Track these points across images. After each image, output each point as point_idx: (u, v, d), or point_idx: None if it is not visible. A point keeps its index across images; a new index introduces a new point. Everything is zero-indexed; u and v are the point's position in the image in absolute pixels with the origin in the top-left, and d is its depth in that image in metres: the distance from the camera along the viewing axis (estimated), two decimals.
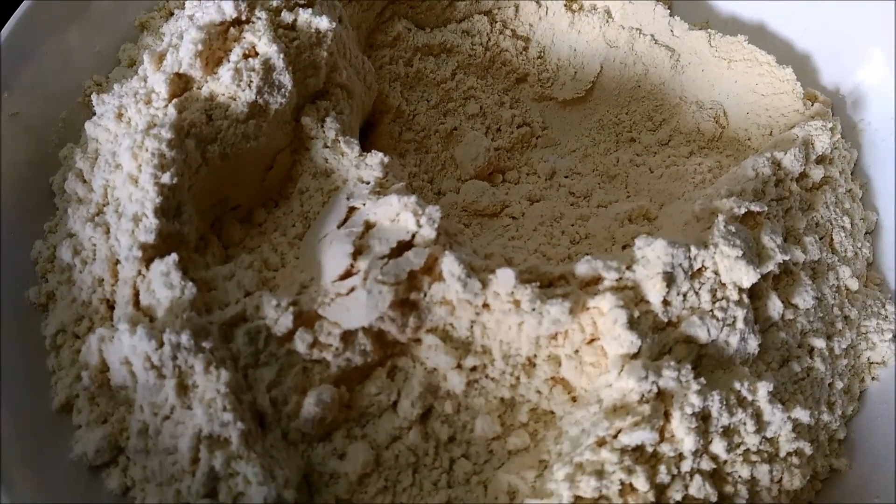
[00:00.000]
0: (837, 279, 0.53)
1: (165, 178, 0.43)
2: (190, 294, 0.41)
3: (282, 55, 0.47)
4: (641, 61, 0.64)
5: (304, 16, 0.49)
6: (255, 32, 0.47)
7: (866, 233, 0.58)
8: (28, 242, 0.49)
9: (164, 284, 0.41)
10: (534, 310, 0.43)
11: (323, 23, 0.49)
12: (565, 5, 0.64)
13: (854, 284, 0.54)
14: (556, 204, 0.59)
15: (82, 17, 0.57)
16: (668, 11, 0.64)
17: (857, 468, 0.49)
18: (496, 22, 0.64)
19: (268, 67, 0.47)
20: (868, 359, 0.53)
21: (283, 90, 0.47)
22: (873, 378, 0.53)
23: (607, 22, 0.64)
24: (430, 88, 0.62)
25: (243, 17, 0.47)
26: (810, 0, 0.64)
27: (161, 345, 0.39)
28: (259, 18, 0.47)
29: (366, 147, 0.56)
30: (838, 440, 0.50)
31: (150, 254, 0.42)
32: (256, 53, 0.47)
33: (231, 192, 0.49)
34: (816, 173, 0.55)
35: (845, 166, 0.59)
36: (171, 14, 0.59)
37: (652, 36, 0.64)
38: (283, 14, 0.49)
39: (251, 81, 0.46)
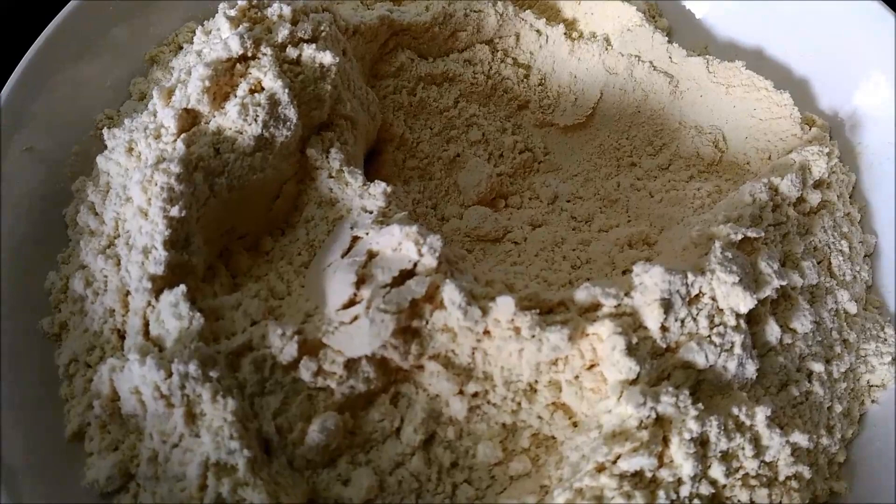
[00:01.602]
0: (836, 303, 0.54)
1: (174, 211, 0.44)
2: (198, 324, 0.42)
3: (287, 90, 0.48)
4: (641, 87, 0.66)
5: (308, 51, 0.50)
6: (260, 68, 0.48)
7: (865, 256, 0.59)
8: (42, 273, 0.50)
9: (172, 315, 0.42)
10: (534, 336, 0.44)
11: (326, 57, 0.50)
12: (565, 34, 0.66)
13: (853, 308, 0.54)
14: (558, 229, 0.60)
15: (94, 51, 0.58)
16: (667, 38, 0.65)
17: (857, 491, 0.49)
18: (497, 51, 0.66)
19: (273, 102, 0.48)
20: (867, 382, 0.53)
21: (288, 123, 0.49)
22: (873, 401, 0.53)
23: (606, 49, 0.66)
24: (433, 116, 0.63)
25: (249, 54, 0.49)
26: (808, 25, 0.65)
27: (170, 374, 0.40)
28: (265, 54, 0.49)
29: (370, 174, 0.57)
30: (838, 463, 0.50)
31: (160, 285, 0.44)
32: (262, 88, 0.49)
33: (238, 222, 0.50)
34: (814, 198, 0.56)
35: (843, 190, 0.59)
36: (181, 48, 0.61)
37: (651, 62, 0.65)
38: (287, 49, 0.50)
39: (257, 116, 0.47)
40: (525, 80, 0.66)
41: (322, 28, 0.52)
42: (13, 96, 0.53)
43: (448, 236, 0.59)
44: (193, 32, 0.60)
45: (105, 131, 0.51)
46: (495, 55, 0.66)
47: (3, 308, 0.48)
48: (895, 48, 0.60)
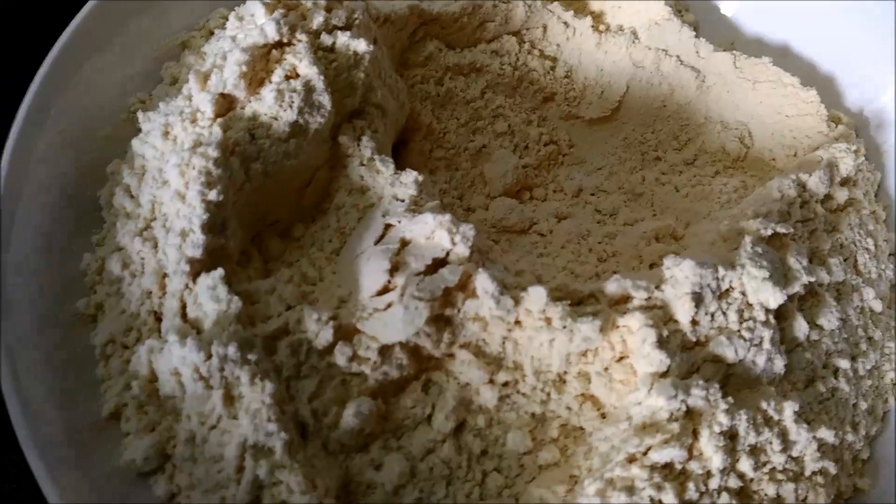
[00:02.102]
0: (861, 300, 0.54)
1: (212, 195, 0.44)
2: (236, 308, 0.42)
3: (322, 77, 0.48)
4: (667, 81, 0.66)
5: (342, 38, 0.51)
6: (295, 55, 0.49)
7: (890, 254, 0.59)
8: (77, 255, 0.51)
9: (210, 298, 0.43)
10: (565, 327, 0.44)
11: (361, 45, 0.50)
12: (592, 26, 0.66)
13: (878, 306, 0.55)
14: (583, 221, 0.61)
15: (126, 36, 0.58)
16: (694, 33, 0.65)
17: (880, 487, 0.50)
18: (524, 42, 0.66)
19: (309, 89, 0.48)
20: (891, 380, 0.54)
21: (322, 110, 0.49)
22: None
23: (634, 43, 0.66)
24: (460, 107, 0.64)
25: (285, 40, 0.49)
26: (835, 22, 0.65)
27: (209, 356, 0.40)
28: (300, 41, 0.49)
29: (398, 164, 0.57)
30: (862, 460, 0.51)
31: (197, 268, 0.44)
32: (297, 75, 0.49)
33: (271, 208, 0.50)
34: (841, 195, 0.56)
35: (869, 188, 0.60)
36: (212, 33, 0.61)
37: (678, 57, 0.65)
38: (322, 37, 0.50)
39: (293, 102, 0.47)
40: (551, 72, 0.67)
41: (356, 16, 0.52)
42: (46, 82, 0.53)
43: (474, 227, 0.59)
44: (225, 18, 0.60)
45: (140, 114, 0.51)
46: (522, 46, 0.66)
47: (38, 288, 0.48)
48: None
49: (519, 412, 0.46)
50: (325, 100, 0.49)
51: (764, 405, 0.44)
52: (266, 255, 0.50)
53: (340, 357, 0.43)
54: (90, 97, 0.56)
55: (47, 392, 0.45)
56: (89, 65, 0.56)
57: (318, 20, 0.51)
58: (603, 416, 0.46)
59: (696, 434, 0.43)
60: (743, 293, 0.47)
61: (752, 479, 0.43)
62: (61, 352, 0.47)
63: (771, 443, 0.44)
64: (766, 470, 0.44)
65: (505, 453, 0.45)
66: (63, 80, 0.55)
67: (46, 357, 0.46)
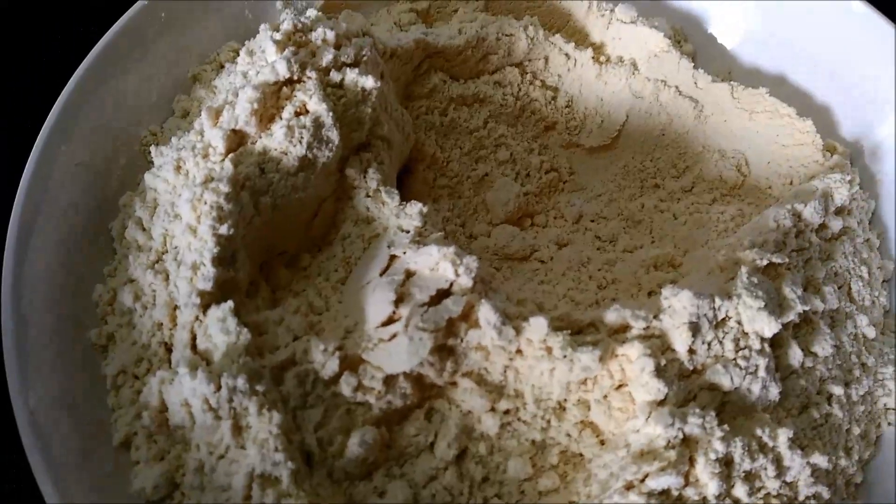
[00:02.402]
0: (855, 327, 0.55)
1: (223, 229, 0.46)
2: (245, 339, 0.44)
3: (331, 113, 0.50)
4: (666, 111, 0.67)
5: (350, 75, 0.52)
6: (305, 91, 0.50)
7: (883, 281, 0.60)
8: (89, 285, 0.52)
9: (220, 330, 0.44)
10: (565, 356, 0.45)
11: (368, 82, 0.52)
12: (593, 58, 0.67)
13: (871, 332, 0.56)
14: (583, 248, 0.62)
15: (139, 69, 0.60)
16: (693, 64, 0.67)
17: None
18: (526, 73, 0.67)
19: (318, 124, 0.50)
20: (884, 405, 0.55)
21: (330, 145, 0.50)
22: (889, 424, 0.54)
23: (633, 74, 0.67)
24: (463, 136, 0.65)
25: (295, 77, 0.51)
26: (831, 53, 0.66)
27: (219, 388, 0.42)
28: (310, 78, 0.51)
29: (402, 192, 0.59)
30: (855, 484, 0.52)
31: (208, 300, 0.45)
32: (307, 111, 0.50)
33: (279, 239, 0.52)
34: (835, 224, 0.57)
35: (863, 216, 0.61)
36: (222, 66, 0.63)
37: (676, 87, 0.67)
38: (331, 74, 0.52)
39: (302, 138, 0.49)
40: (553, 101, 0.68)
41: (364, 52, 0.53)
42: (64, 110, 0.55)
43: (477, 254, 0.61)
44: (235, 52, 0.62)
45: (153, 149, 0.53)
46: (524, 77, 0.67)
47: (51, 317, 0.50)
48: None
49: (520, 439, 0.47)
50: (333, 135, 0.50)
51: (759, 432, 0.45)
52: (273, 284, 0.52)
53: (346, 387, 0.44)
54: (105, 128, 0.57)
55: (59, 420, 0.46)
56: (104, 96, 0.58)
57: (327, 58, 0.52)
58: (602, 442, 0.47)
59: (692, 461, 0.44)
60: (739, 322, 0.48)
61: None
62: (74, 380, 0.48)
63: (765, 469, 0.45)
64: (760, 495, 0.45)
65: (506, 480, 0.46)
66: (78, 112, 0.56)
67: (60, 385, 0.48)
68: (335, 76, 0.52)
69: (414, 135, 0.61)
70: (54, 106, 0.54)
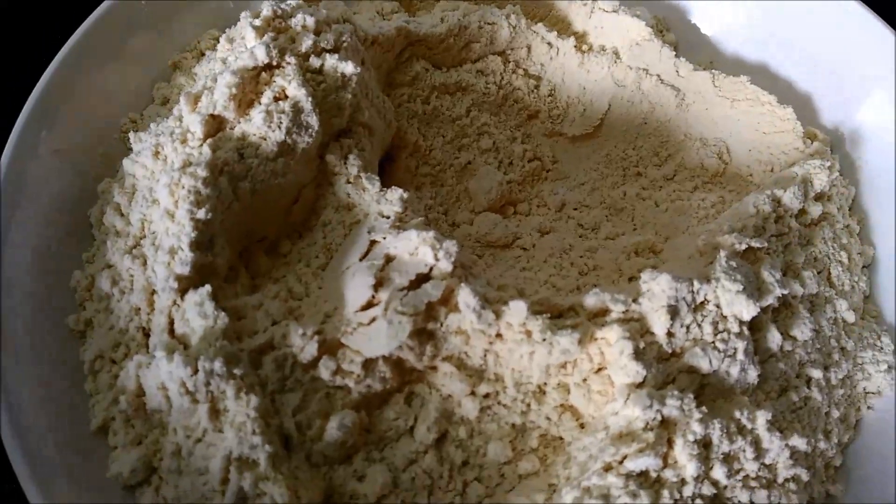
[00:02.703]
0: (835, 312, 0.56)
1: (201, 213, 0.46)
2: (222, 323, 0.43)
3: (310, 98, 0.50)
4: (648, 100, 0.67)
5: (330, 61, 0.52)
6: (284, 77, 0.50)
7: (863, 266, 0.60)
8: (67, 271, 0.52)
9: (198, 314, 0.44)
10: (544, 340, 0.45)
11: (348, 67, 0.52)
12: (575, 46, 0.67)
13: (851, 317, 0.56)
14: (566, 236, 0.62)
15: (119, 56, 0.60)
16: (674, 53, 0.67)
17: (853, 494, 0.51)
18: (509, 62, 0.67)
19: (297, 110, 0.50)
20: (864, 389, 0.55)
21: (310, 130, 0.50)
22: (869, 407, 0.55)
23: (615, 62, 0.67)
24: (445, 125, 0.65)
25: (274, 63, 0.51)
26: (811, 42, 0.67)
27: (196, 371, 0.42)
28: (289, 63, 0.50)
29: (384, 180, 0.59)
30: (834, 467, 0.52)
31: (185, 285, 0.45)
32: (286, 96, 0.50)
33: (259, 225, 0.52)
34: (815, 210, 0.57)
35: (843, 203, 0.61)
36: (203, 55, 0.62)
37: (658, 76, 0.67)
38: (311, 59, 0.52)
39: (281, 123, 0.49)
40: (535, 90, 0.68)
41: (343, 39, 0.53)
42: (43, 98, 0.54)
43: (459, 242, 0.61)
44: (215, 40, 0.62)
45: (131, 135, 0.53)
46: (507, 66, 0.67)
47: (30, 304, 0.49)
48: (895, 66, 0.62)
49: (500, 423, 0.47)
50: (312, 120, 0.50)
51: (737, 414, 0.46)
52: (253, 270, 0.52)
53: (324, 371, 0.44)
54: (84, 116, 0.57)
55: (37, 405, 0.46)
56: (84, 84, 0.58)
57: (307, 43, 0.52)
58: (582, 426, 0.47)
59: (670, 443, 0.44)
60: (717, 306, 0.48)
61: (725, 487, 0.44)
62: (52, 366, 0.48)
63: (744, 451, 0.45)
64: (739, 477, 0.45)
65: (486, 463, 0.46)
66: (58, 99, 0.56)
67: (37, 371, 0.47)
68: (315, 62, 0.52)
69: (396, 122, 0.61)
70: (32, 93, 0.54)
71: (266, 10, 0.53)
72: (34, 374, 0.47)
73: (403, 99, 0.64)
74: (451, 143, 0.65)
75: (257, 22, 0.52)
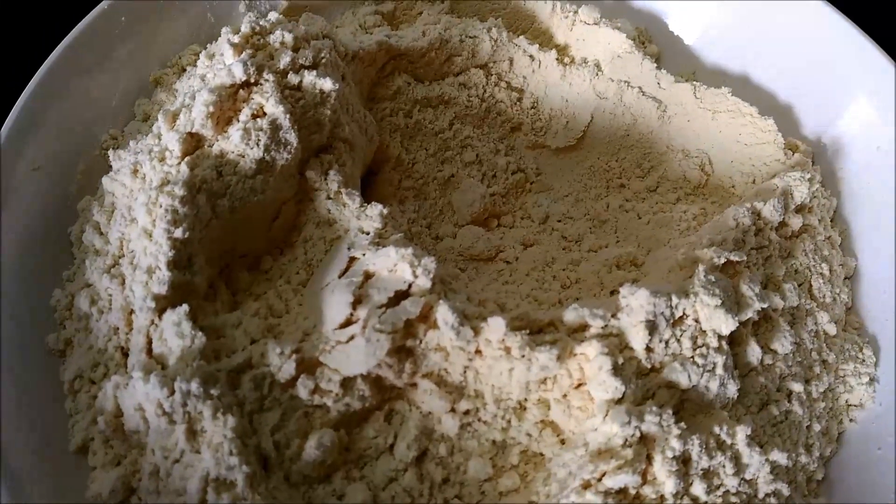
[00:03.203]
0: (816, 324, 0.56)
1: (178, 232, 0.46)
2: (199, 343, 0.43)
3: (288, 115, 0.50)
4: (630, 112, 0.67)
5: (308, 77, 0.52)
6: (262, 94, 0.50)
7: (845, 278, 0.60)
8: (47, 290, 0.52)
9: (175, 334, 0.44)
10: (523, 356, 0.45)
11: (327, 84, 0.52)
12: (557, 59, 0.67)
13: (832, 329, 0.56)
14: (549, 248, 0.62)
15: (100, 72, 0.60)
16: (655, 65, 0.67)
17: None
18: (491, 75, 0.68)
19: (275, 127, 0.50)
20: (846, 401, 0.55)
21: (288, 147, 0.50)
22: (851, 420, 0.55)
23: (597, 75, 0.67)
24: (428, 138, 0.65)
25: (252, 80, 0.50)
26: (792, 53, 0.67)
27: (172, 392, 0.42)
28: (267, 80, 0.50)
29: (367, 194, 0.59)
30: (816, 480, 0.52)
31: (163, 304, 0.45)
32: (264, 113, 0.50)
33: (239, 242, 0.52)
34: (795, 222, 0.58)
35: (824, 214, 0.61)
36: (184, 70, 0.62)
37: (640, 88, 0.67)
38: (289, 76, 0.52)
39: (259, 140, 0.49)
40: (518, 103, 0.68)
41: (322, 55, 0.53)
42: (22, 114, 0.54)
43: (442, 255, 0.61)
44: (196, 55, 0.62)
45: (111, 153, 0.53)
46: (489, 79, 0.67)
47: (9, 324, 0.49)
48: (874, 75, 0.62)
49: (480, 440, 0.47)
50: (291, 137, 0.50)
51: (717, 430, 0.46)
52: (234, 287, 0.52)
53: (302, 390, 0.44)
54: (64, 133, 0.57)
55: (17, 425, 0.46)
56: (64, 101, 0.58)
57: (284, 60, 0.52)
58: (562, 441, 0.47)
59: (649, 459, 0.44)
60: (696, 320, 0.48)
61: (705, 503, 0.45)
62: (32, 386, 0.48)
63: (724, 466, 0.45)
64: (719, 493, 0.45)
65: (466, 481, 0.46)
66: (38, 115, 0.56)
67: (17, 390, 0.47)
68: (293, 78, 0.52)
69: (378, 137, 0.61)
70: (12, 109, 0.54)
71: (245, 27, 0.53)
72: (13, 392, 0.47)
73: (386, 113, 0.64)
74: (434, 157, 0.65)
75: (235, 38, 0.52)
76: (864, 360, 0.56)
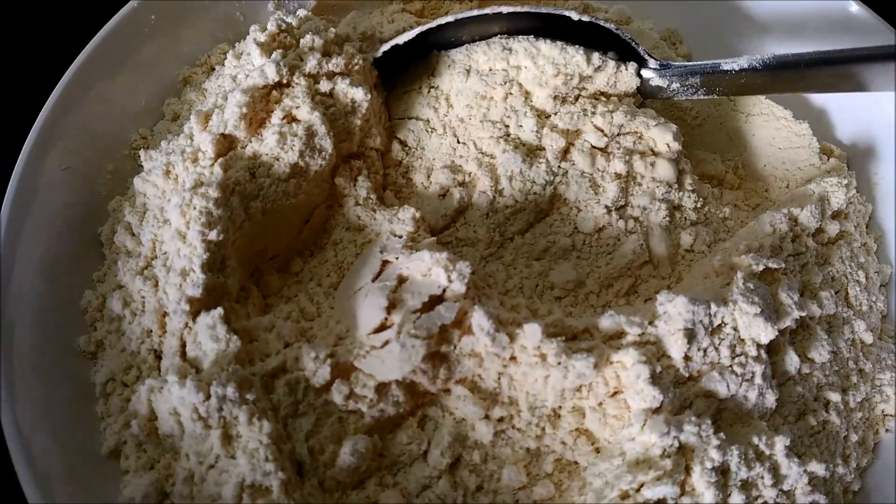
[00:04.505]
0: (853, 333, 0.55)
1: (212, 235, 0.45)
2: (234, 347, 0.43)
3: (323, 123, 0.49)
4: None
5: (341, 85, 0.52)
6: (293, 98, 0.50)
7: (881, 285, 0.60)
8: (77, 291, 0.52)
9: (210, 337, 0.43)
10: (559, 363, 0.45)
11: (359, 94, 0.51)
12: None
13: (869, 338, 0.55)
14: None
15: (128, 71, 0.60)
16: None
17: None
18: None
19: (310, 133, 0.49)
20: (882, 411, 0.54)
21: (323, 153, 0.50)
22: (887, 430, 0.54)
23: None
24: None
25: (284, 81, 0.50)
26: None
27: (208, 397, 0.41)
28: (298, 84, 0.50)
29: None
30: (853, 492, 0.51)
31: (197, 307, 0.45)
32: (294, 117, 0.50)
33: (270, 244, 0.51)
34: (832, 228, 0.57)
35: (860, 220, 0.60)
36: (213, 69, 0.62)
37: None
38: (322, 83, 0.51)
39: (294, 145, 0.48)
40: None
41: (355, 62, 0.53)
42: (52, 113, 0.54)
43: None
44: (225, 55, 0.62)
45: (142, 153, 0.52)
46: None
47: (38, 323, 0.49)
48: None
49: (514, 447, 0.46)
50: (326, 143, 0.50)
51: (755, 440, 0.45)
52: (265, 290, 0.51)
53: (337, 395, 0.44)
54: (93, 133, 0.57)
55: (47, 428, 0.46)
56: (92, 100, 0.57)
57: (311, 63, 0.51)
58: (597, 450, 0.46)
59: (688, 470, 0.43)
60: (735, 329, 0.47)
61: None
62: (62, 388, 0.48)
63: (762, 477, 0.45)
64: None
65: (500, 488, 0.46)
66: (67, 115, 0.56)
67: (46, 393, 0.47)
68: (325, 85, 0.51)
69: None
70: (42, 110, 0.54)
71: (271, 25, 0.53)
72: (43, 394, 0.47)
73: None
74: None
75: (262, 37, 0.52)
76: None
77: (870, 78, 0.52)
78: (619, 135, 0.56)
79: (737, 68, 0.55)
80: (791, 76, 0.54)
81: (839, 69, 0.53)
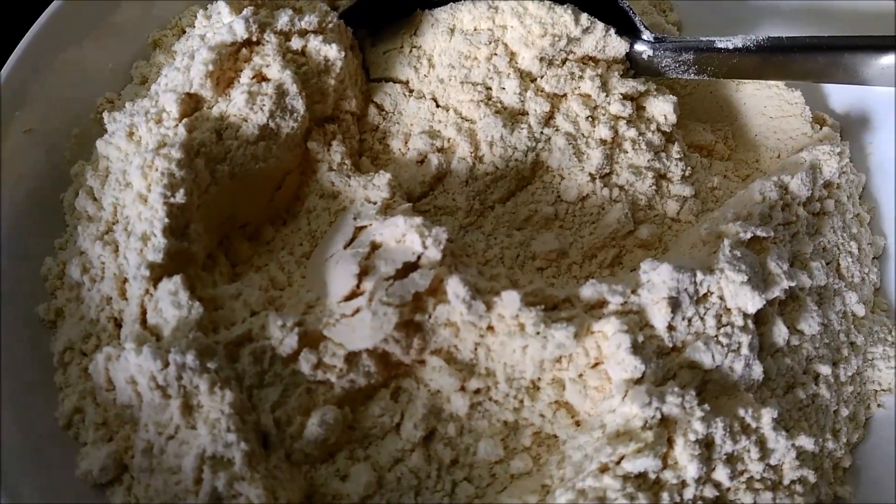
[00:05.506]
0: (844, 305, 0.53)
1: (175, 197, 0.43)
2: (196, 314, 0.41)
3: (295, 81, 0.47)
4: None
5: (314, 43, 0.50)
6: (263, 56, 0.48)
7: (874, 258, 0.58)
8: (39, 259, 0.50)
9: (171, 304, 0.42)
10: (538, 333, 0.43)
11: (332, 52, 0.49)
12: None
13: (861, 310, 0.54)
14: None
15: (96, 33, 0.57)
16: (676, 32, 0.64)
17: (862, 496, 0.49)
18: None
19: (281, 92, 0.47)
20: (874, 386, 0.53)
21: (295, 115, 0.48)
22: (879, 405, 0.52)
23: None
24: None
25: (254, 38, 0.48)
26: (820, 25, 0.64)
27: (167, 364, 0.39)
28: (268, 42, 0.48)
29: None
30: (843, 468, 0.50)
31: (158, 273, 0.43)
32: (264, 76, 0.48)
33: (239, 210, 0.49)
34: (824, 198, 0.55)
35: (853, 191, 0.59)
36: (184, 32, 0.60)
37: None
38: (293, 40, 0.49)
39: (263, 105, 0.47)
40: None
41: (329, 19, 0.51)
42: (13, 76, 0.52)
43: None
44: (196, 16, 0.59)
45: (105, 115, 0.50)
46: None
47: (1, 294, 0.47)
48: None
49: (491, 420, 0.45)
50: (298, 104, 0.48)
51: (741, 412, 0.43)
52: (234, 258, 0.49)
53: (305, 365, 0.42)
54: (58, 96, 0.55)
55: (3, 398, 0.44)
56: (57, 63, 0.55)
57: (283, 19, 0.50)
58: (577, 423, 0.45)
59: (670, 442, 0.42)
60: (721, 298, 0.46)
61: (728, 489, 0.42)
62: (20, 357, 0.46)
63: (748, 451, 0.43)
64: (743, 479, 0.43)
65: (476, 462, 0.44)
66: (30, 78, 0.54)
67: (4, 362, 0.45)
68: (297, 42, 0.49)
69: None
70: (3, 69, 0.52)
71: None
72: (2, 364, 0.45)
73: None
74: None
75: None
76: (892, 343, 0.54)
77: (866, 69, 0.50)
78: (607, 101, 0.54)
79: (731, 47, 0.54)
80: (785, 60, 0.53)
81: (835, 56, 0.51)
